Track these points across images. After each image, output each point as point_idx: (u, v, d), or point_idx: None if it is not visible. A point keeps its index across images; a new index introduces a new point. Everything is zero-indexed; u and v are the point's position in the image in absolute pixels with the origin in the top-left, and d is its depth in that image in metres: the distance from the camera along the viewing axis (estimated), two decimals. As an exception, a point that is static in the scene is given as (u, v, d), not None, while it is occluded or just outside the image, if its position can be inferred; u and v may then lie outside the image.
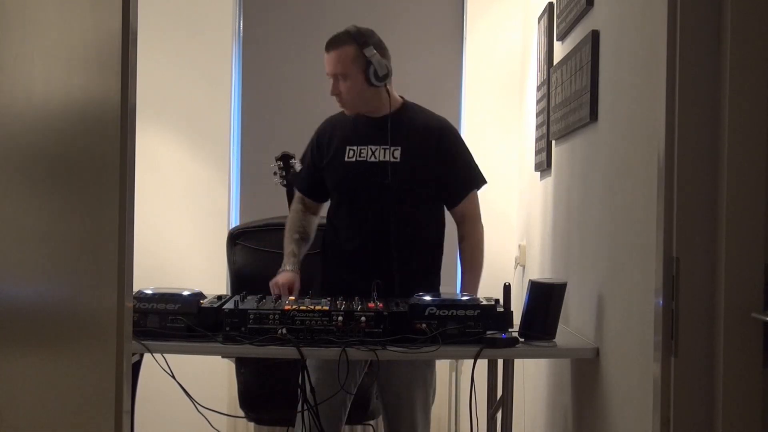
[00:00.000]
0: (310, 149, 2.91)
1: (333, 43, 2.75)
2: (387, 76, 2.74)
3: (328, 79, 2.76)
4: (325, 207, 2.95)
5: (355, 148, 2.78)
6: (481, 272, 2.83)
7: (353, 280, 2.68)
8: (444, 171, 2.78)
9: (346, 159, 2.78)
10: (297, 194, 2.95)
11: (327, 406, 2.59)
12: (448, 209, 2.87)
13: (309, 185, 2.92)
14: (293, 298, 2.58)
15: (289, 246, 2.81)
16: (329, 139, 2.85)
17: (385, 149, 2.74)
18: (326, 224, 2.89)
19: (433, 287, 2.76)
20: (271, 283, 2.71)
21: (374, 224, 2.75)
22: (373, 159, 2.75)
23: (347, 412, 2.79)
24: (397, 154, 2.74)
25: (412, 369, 2.72)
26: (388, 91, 2.77)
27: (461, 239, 2.85)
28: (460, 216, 2.83)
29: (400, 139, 2.75)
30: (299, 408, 2.60)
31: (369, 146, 2.76)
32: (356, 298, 2.49)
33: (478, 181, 2.86)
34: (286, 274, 2.73)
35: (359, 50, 2.72)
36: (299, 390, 2.54)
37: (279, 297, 2.62)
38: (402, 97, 2.86)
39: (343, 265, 2.81)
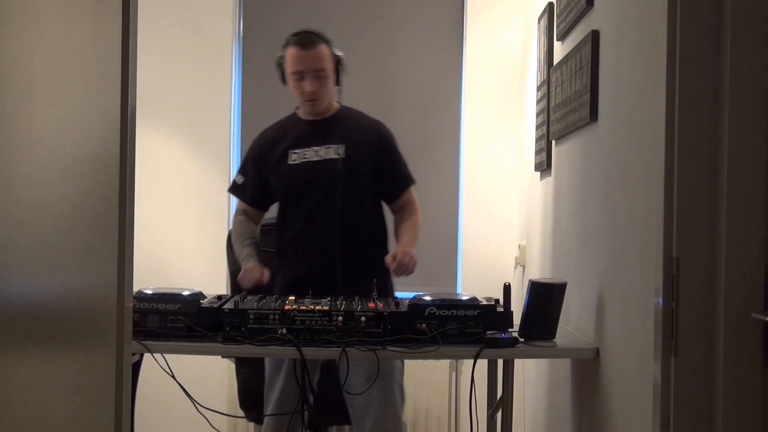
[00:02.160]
0: (252, 162, 3.02)
1: (310, 41, 2.85)
2: None
3: (294, 78, 2.86)
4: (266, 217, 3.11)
5: (298, 151, 2.91)
6: (415, 238, 2.92)
7: (307, 275, 2.81)
8: (384, 166, 2.93)
9: (289, 162, 2.90)
10: (239, 206, 3.06)
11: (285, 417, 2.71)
12: (388, 203, 3.00)
13: (252, 196, 3.02)
14: (265, 277, 2.74)
15: (243, 251, 2.91)
16: (271, 149, 2.97)
17: (328, 148, 2.88)
18: (276, 225, 2.98)
19: (381, 278, 2.80)
20: (240, 276, 2.79)
21: (322, 220, 2.86)
22: (316, 158, 2.88)
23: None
24: (341, 150, 2.87)
25: (368, 366, 2.70)
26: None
27: (402, 219, 2.97)
28: (401, 206, 2.98)
29: (343, 138, 2.89)
30: (297, 408, 2.60)
31: (312, 147, 2.90)
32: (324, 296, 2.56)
33: (413, 178, 3.02)
34: (252, 264, 2.82)
35: (330, 49, 2.87)
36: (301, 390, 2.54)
37: (249, 289, 2.73)
38: (339, 102, 3.01)
39: (297, 263, 2.89)
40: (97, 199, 1.23)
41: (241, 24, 4.34)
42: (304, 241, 2.88)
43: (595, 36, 2.38)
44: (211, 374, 4.00)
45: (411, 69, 4.30)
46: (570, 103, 2.68)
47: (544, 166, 3.25)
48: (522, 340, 2.36)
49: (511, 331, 2.37)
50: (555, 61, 3.06)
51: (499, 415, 2.54)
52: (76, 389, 1.15)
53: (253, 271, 2.76)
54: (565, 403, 2.78)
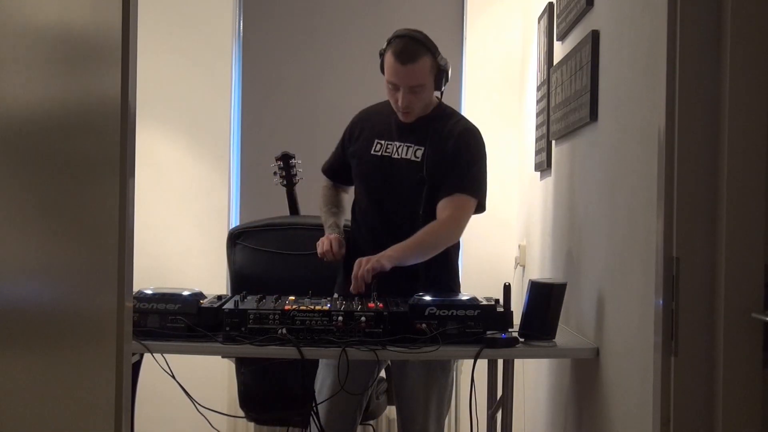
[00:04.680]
0: (342, 137, 2.92)
1: (411, 56, 2.63)
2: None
3: (389, 86, 2.67)
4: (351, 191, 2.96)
5: (383, 142, 2.77)
6: (415, 251, 2.63)
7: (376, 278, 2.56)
8: (446, 166, 2.69)
9: (372, 152, 2.78)
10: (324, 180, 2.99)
11: (340, 409, 2.65)
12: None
13: (332, 169, 2.94)
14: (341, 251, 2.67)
15: (329, 219, 2.80)
16: (361, 129, 2.84)
17: (408, 147, 2.73)
18: (351, 220, 2.88)
19: (449, 286, 2.75)
20: (320, 242, 2.70)
21: (391, 220, 2.73)
22: (396, 156, 2.74)
23: (362, 413, 2.79)
24: (419, 153, 2.72)
25: (426, 373, 2.68)
26: None
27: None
28: (439, 211, 2.66)
29: (425, 140, 2.72)
30: (307, 409, 2.60)
31: (395, 142, 2.75)
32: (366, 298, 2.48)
33: (473, 191, 2.69)
34: (333, 235, 2.71)
35: (434, 59, 2.67)
36: (309, 390, 2.54)
37: (324, 254, 2.65)
38: (438, 98, 2.81)
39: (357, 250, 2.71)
40: (98, 199, 1.23)
41: (241, 24, 4.34)
42: (371, 240, 2.71)
43: (595, 36, 2.38)
44: (211, 374, 4.00)
45: (411, 69, 4.29)
46: (570, 103, 2.68)
47: (544, 166, 3.25)
48: (522, 340, 2.36)
49: (511, 331, 2.37)
50: (555, 61, 3.06)
51: (499, 415, 2.54)
52: (76, 389, 1.15)
53: (329, 243, 2.67)
54: (565, 403, 2.78)
